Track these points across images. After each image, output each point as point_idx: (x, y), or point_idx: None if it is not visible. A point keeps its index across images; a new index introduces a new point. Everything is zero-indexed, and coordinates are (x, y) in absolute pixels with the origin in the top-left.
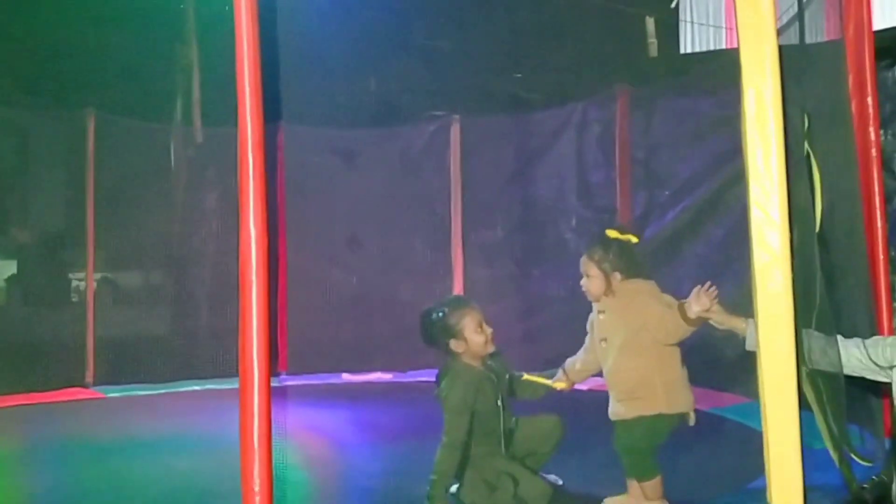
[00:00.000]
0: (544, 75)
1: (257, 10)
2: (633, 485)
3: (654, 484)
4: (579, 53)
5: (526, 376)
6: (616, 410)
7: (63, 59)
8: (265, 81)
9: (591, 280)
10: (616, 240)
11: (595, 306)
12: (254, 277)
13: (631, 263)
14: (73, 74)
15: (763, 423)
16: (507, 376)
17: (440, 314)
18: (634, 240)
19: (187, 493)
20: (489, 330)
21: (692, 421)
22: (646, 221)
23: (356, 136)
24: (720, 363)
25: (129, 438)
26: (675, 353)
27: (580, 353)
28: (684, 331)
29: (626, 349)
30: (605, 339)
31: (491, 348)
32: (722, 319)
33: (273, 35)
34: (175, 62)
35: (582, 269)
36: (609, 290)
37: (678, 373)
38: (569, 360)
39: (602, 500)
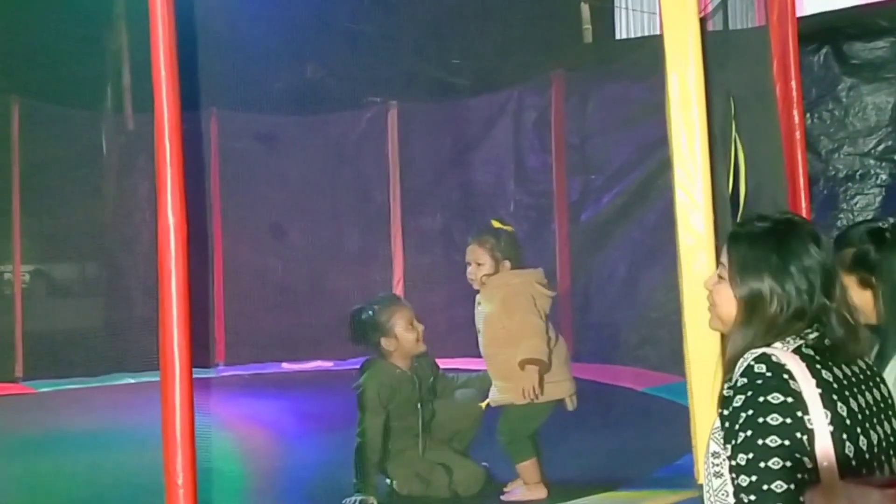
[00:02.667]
0: (479, 60)
1: None
2: (521, 468)
3: (528, 465)
4: (515, 39)
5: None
6: (493, 397)
7: None
8: (194, 68)
9: (481, 268)
10: (504, 229)
11: (477, 297)
12: (173, 266)
13: (517, 252)
14: None
15: (689, 400)
16: (431, 378)
17: (370, 312)
18: (510, 230)
19: (118, 489)
20: (420, 327)
21: (571, 406)
22: (582, 206)
23: (292, 123)
24: (654, 344)
25: (59, 434)
26: (545, 343)
27: None
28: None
29: (495, 340)
30: (479, 330)
31: (422, 347)
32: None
33: (194, 20)
34: (104, 47)
35: (469, 257)
36: (488, 278)
37: (561, 355)
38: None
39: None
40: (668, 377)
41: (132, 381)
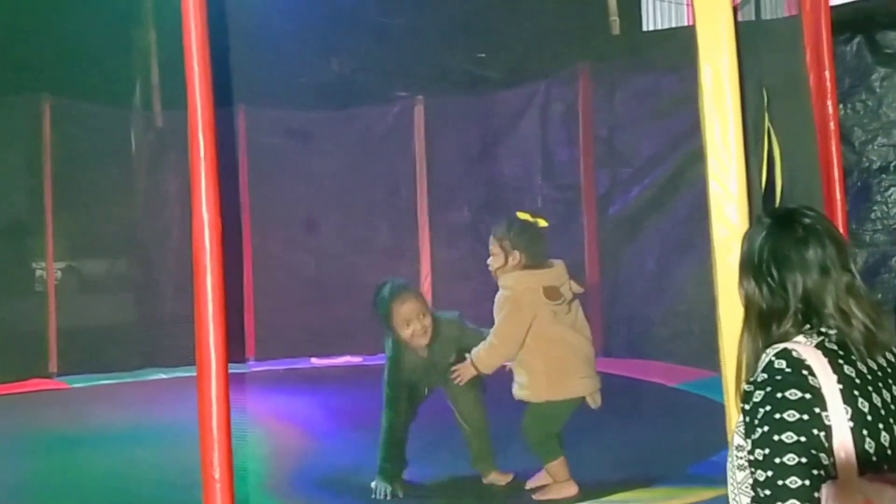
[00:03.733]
0: (505, 53)
1: None
2: (549, 467)
3: (556, 465)
4: (541, 31)
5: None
6: (517, 393)
7: (17, 44)
8: (223, 64)
9: (495, 259)
10: (522, 220)
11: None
12: (208, 262)
13: (534, 246)
14: (27, 58)
15: (725, 396)
16: (452, 357)
17: (382, 295)
18: (543, 223)
19: (151, 484)
20: (426, 321)
21: (594, 404)
22: (610, 198)
23: (319, 118)
24: (685, 338)
25: (93, 429)
26: (562, 341)
27: None
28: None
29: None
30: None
31: (423, 341)
32: None
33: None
34: (133, 45)
35: (490, 248)
36: (503, 270)
37: (566, 360)
38: None
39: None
40: (700, 372)
41: (164, 376)
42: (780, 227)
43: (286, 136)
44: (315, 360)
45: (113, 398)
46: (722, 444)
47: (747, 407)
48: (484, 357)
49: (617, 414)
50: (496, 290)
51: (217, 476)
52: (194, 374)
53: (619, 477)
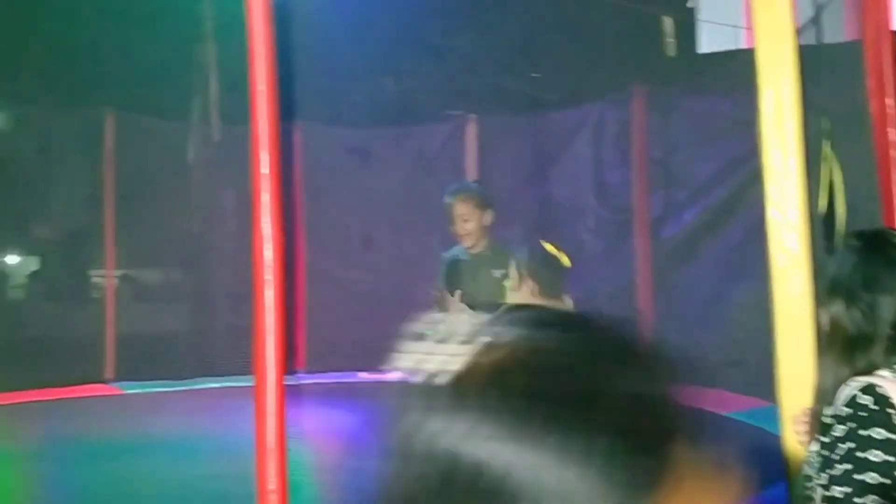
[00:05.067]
0: (561, 75)
1: (271, 9)
2: None
3: None
4: (596, 53)
5: None
6: None
7: (83, 59)
8: (282, 81)
9: (510, 281)
10: (546, 252)
11: None
12: (269, 276)
13: (548, 278)
14: (92, 73)
15: (781, 427)
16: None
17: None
18: (566, 261)
19: (204, 493)
20: (468, 226)
21: None
22: (663, 221)
23: (373, 136)
24: (738, 366)
25: (146, 436)
26: None
27: None
28: None
29: None
30: None
31: (466, 242)
32: None
33: (288, 34)
34: (193, 61)
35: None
36: (514, 293)
37: None
38: None
39: None
40: (754, 401)
41: (216, 385)
42: (870, 249)
43: (342, 152)
44: (363, 375)
45: (166, 405)
46: (776, 477)
47: (826, 440)
48: None
49: None
50: None
51: (272, 488)
52: (245, 384)
53: None
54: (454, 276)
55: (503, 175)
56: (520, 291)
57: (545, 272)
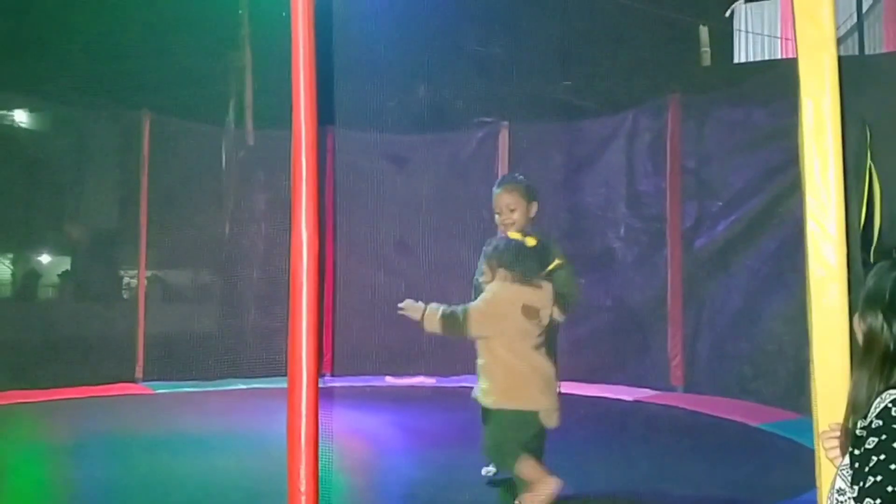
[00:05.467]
0: (596, 83)
1: (314, 14)
2: (518, 473)
3: (523, 470)
4: (632, 61)
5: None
6: (476, 395)
7: (120, 61)
8: (321, 86)
9: (484, 276)
10: (509, 240)
11: None
12: (304, 279)
13: (516, 262)
14: (129, 76)
15: (815, 441)
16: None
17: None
18: (531, 242)
19: (233, 492)
20: (514, 216)
21: (549, 423)
22: (696, 231)
23: (406, 142)
24: (769, 378)
25: (176, 435)
26: (525, 358)
27: None
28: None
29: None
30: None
31: (505, 229)
32: None
33: (328, 40)
34: (229, 66)
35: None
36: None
37: (525, 375)
38: None
39: None
40: (785, 413)
41: (243, 386)
42: None
43: (372, 157)
44: (389, 379)
45: (195, 405)
46: (805, 486)
47: (857, 452)
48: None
49: (697, 451)
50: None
51: (303, 489)
52: (273, 385)
53: None
54: (497, 258)
55: (535, 182)
56: (493, 282)
57: (511, 258)
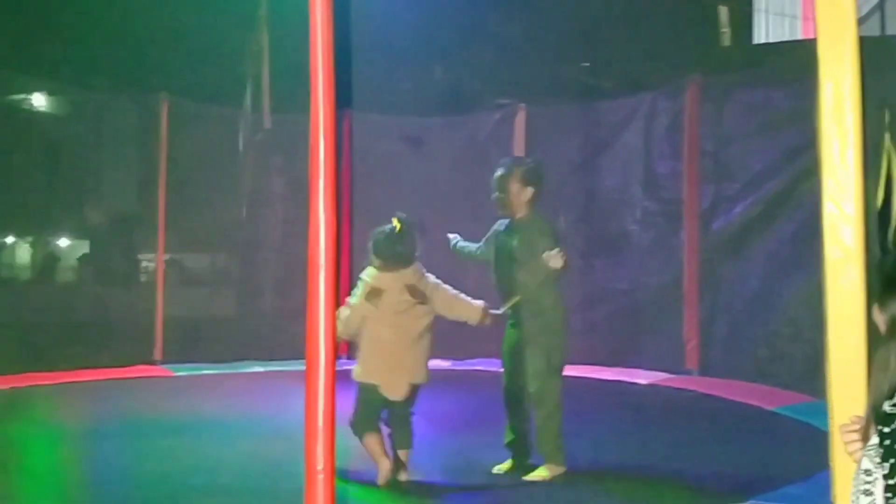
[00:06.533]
0: (614, 64)
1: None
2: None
3: (367, 443)
4: (650, 42)
5: None
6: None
7: (138, 44)
8: (337, 70)
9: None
10: (379, 230)
11: None
12: (322, 262)
13: (384, 249)
14: (147, 59)
15: (830, 423)
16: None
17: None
18: (396, 224)
19: (251, 472)
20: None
21: (393, 394)
22: (713, 214)
23: (422, 124)
24: (785, 361)
25: (196, 416)
26: (391, 331)
27: None
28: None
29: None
30: None
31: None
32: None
33: (346, 22)
34: (246, 48)
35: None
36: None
37: (384, 351)
38: None
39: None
40: (800, 396)
41: (260, 369)
42: None
43: (388, 140)
44: None
45: (214, 387)
46: (819, 468)
47: (887, 430)
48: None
49: (712, 434)
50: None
51: (320, 468)
52: (290, 367)
53: (715, 489)
54: (492, 240)
55: (551, 164)
56: (369, 269)
57: (380, 246)
